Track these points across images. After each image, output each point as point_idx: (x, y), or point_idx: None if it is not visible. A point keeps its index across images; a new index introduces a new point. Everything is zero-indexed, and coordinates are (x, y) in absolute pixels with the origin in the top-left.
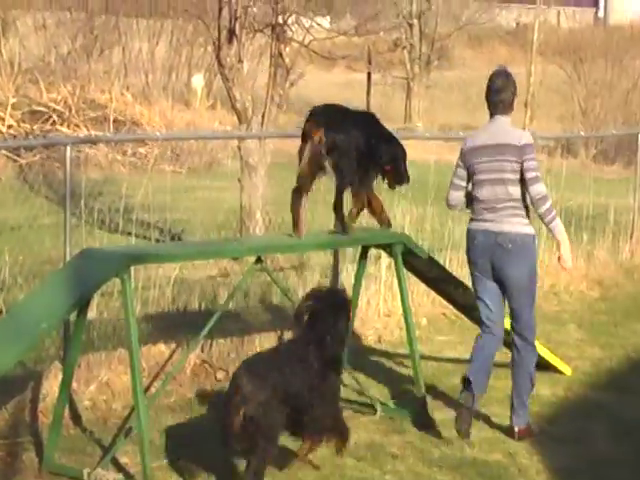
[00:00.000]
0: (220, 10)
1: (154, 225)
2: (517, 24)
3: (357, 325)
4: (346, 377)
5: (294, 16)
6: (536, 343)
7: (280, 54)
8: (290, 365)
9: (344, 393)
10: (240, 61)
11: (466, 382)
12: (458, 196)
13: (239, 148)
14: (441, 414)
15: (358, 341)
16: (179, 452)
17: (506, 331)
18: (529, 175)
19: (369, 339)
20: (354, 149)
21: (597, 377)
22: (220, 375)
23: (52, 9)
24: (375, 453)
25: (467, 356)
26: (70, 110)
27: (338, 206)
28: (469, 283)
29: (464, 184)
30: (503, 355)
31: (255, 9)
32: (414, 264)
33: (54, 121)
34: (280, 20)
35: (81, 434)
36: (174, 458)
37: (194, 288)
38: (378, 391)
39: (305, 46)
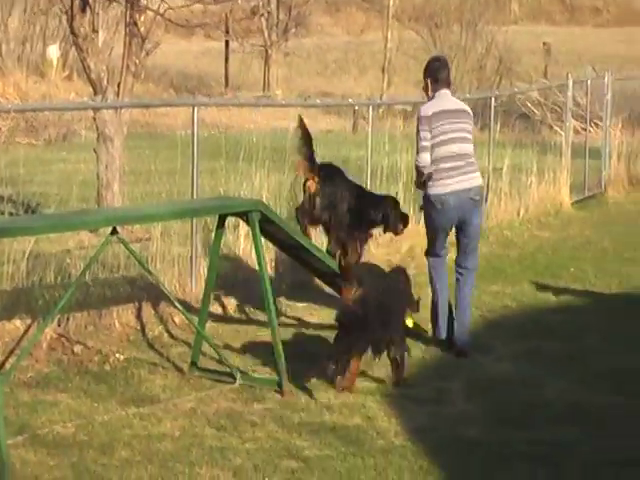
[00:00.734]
0: None
1: (7, 199)
2: None
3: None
4: (205, 346)
5: None
6: None
7: (135, 23)
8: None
9: (202, 362)
10: (95, 31)
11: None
12: (427, 156)
13: (94, 119)
14: (300, 381)
15: (218, 310)
16: (36, 428)
17: None
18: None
19: (229, 308)
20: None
21: None
22: (77, 348)
23: None
24: (235, 422)
25: (326, 321)
26: None
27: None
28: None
29: (430, 145)
30: None
31: None
32: (271, 232)
33: None
34: None
35: None
36: (30, 435)
37: (50, 262)
38: (238, 359)
39: (161, 15)
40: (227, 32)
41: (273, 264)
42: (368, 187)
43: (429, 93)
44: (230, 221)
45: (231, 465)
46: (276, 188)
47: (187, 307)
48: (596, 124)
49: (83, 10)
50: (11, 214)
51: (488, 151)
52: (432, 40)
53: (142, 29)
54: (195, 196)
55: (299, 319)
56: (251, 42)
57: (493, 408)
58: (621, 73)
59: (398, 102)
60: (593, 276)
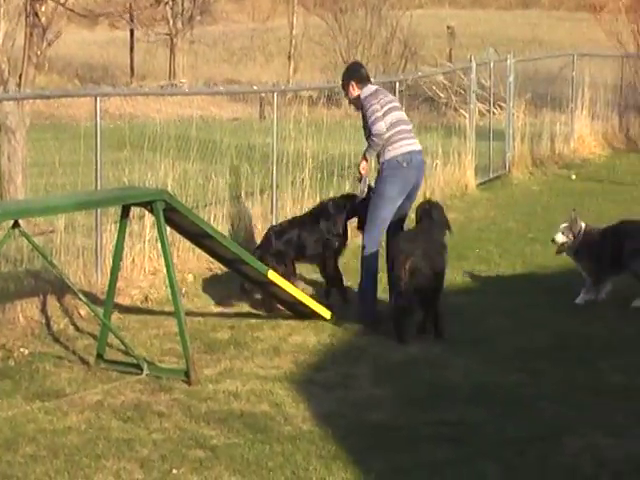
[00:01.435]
0: None
1: None
2: None
3: (122, 285)
4: (112, 338)
5: None
6: (301, 292)
7: (36, 13)
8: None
9: (109, 354)
10: None
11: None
12: (382, 124)
13: None
14: (208, 369)
15: (124, 301)
16: None
17: None
18: None
19: (135, 298)
20: None
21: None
22: None
23: None
24: (141, 413)
25: (233, 310)
26: None
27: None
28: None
29: (382, 115)
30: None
31: None
32: (177, 221)
33: None
34: None
35: None
36: None
37: None
38: (145, 350)
39: (62, 5)
40: (132, 21)
41: (179, 253)
42: (274, 173)
43: (356, 92)
44: (136, 211)
45: (138, 456)
46: (181, 177)
47: (93, 299)
48: (500, 106)
49: None
50: None
51: None
52: (337, 25)
53: (43, 19)
54: (99, 187)
55: (205, 308)
56: (156, 31)
57: (400, 391)
58: (523, 55)
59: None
60: (498, 256)
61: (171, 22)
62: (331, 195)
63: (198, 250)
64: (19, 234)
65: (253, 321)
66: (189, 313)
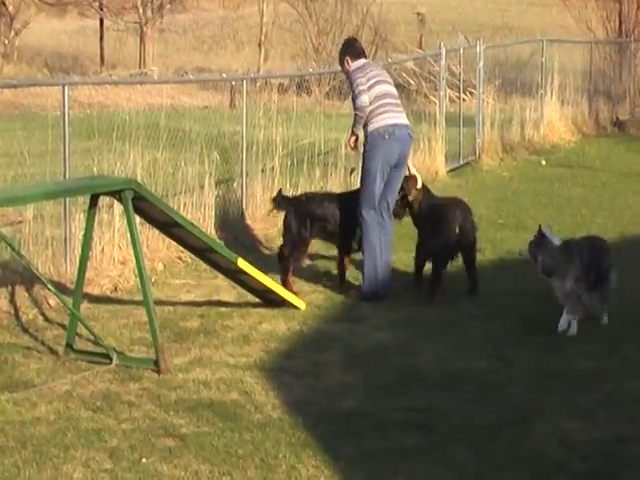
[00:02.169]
0: None
1: None
2: None
3: (91, 275)
4: (81, 328)
5: None
6: (271, 281)
7: (3, 2)
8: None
9: (78, 344)
10: None
11: None
12: (366, 97)
13: None
14: (177, 358)
15: (93, 291)
16: None
17: None
18: None
19: (104, 288)
20: None
21: (331, 309)
22: None
23: None
24: (111, 403)
25: (203, 299)
26: None
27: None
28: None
29: (366, 88)
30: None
31: None
32: (146, 210)
33: None
34: None
35: None
36: None
37: None
38: (114, 340)
39: None
40: (101, 9)
41: (149, 242)
42: (244, 161)
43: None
44: (105, 201)
45: (107, 446)
46: (151, 165)
47: (62, 289)
48: (470, 92)
49: None
50: None
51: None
52: (307, 13)
53: (11, 8)
54: (68, 177)
55: (175, 297)
56: (126, 19)
57: (370, 378)
58: (493, 41)
59: (273, 76)
60: None
61: (141, 10)
62: (301, 182)
63: (168, 239)
64: None
65: (223, 309)
66: (159, 302)
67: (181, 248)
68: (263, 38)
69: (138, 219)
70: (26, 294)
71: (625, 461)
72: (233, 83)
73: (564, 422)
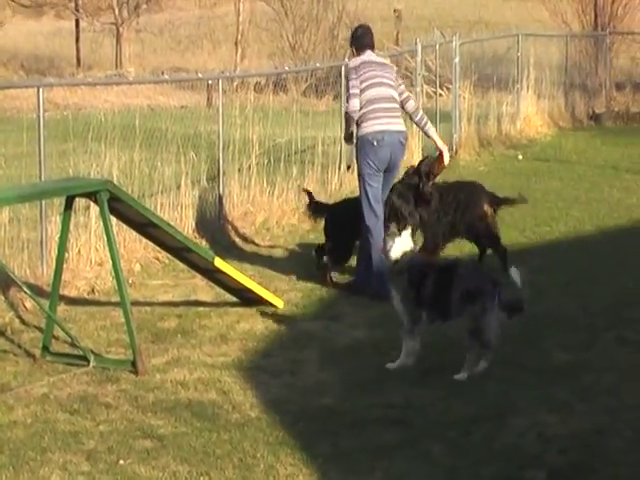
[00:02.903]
0: None
1: None
2: None
3: (68, 277)
4: (58, 330)
5: None
6: (248, 279)
7: None
8: None
9: (55, 347)
10: None
11: None
12: (357, 102)
13: None
14: (155, 359)
15: (70, 293)
16: None
17: None
18: (405, 94)
19: (81, 290)
20: None
21: (309, 308)
22: None
23: None
24: (88, 405)
25: (181, 299)
26: None
27: None
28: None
29: (359, 91)
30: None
31: None
32: (122, 211)
33: None
34: None
35: None
36: None
37: None
38: (91, 342)
39: None
40: (77, 11)
41: (126, 243)
42: (220, 160)
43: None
44: (81, 202)
45: (84, 449)
46: (127, 166)
47: (39, 291)
48: (447, 88)
49: None
50: None
51: (332, 121)
52: (284, 11)
53: None
54: (43, 179)
55: (153, 297)
56: (102, 20)
57: (347, 375)
58: (469, 36)
59: (249, 75)
60: None
61: (117, 11)
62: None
63: (145, 240)
64: None
65: (200, 309)
66: (136, 303)
67: (158, 249)
68: (239, 37)
69: (114, 220)
70: (2, 297)
71: (603, 453)
72: (209, 82)
73: (541, 415)
